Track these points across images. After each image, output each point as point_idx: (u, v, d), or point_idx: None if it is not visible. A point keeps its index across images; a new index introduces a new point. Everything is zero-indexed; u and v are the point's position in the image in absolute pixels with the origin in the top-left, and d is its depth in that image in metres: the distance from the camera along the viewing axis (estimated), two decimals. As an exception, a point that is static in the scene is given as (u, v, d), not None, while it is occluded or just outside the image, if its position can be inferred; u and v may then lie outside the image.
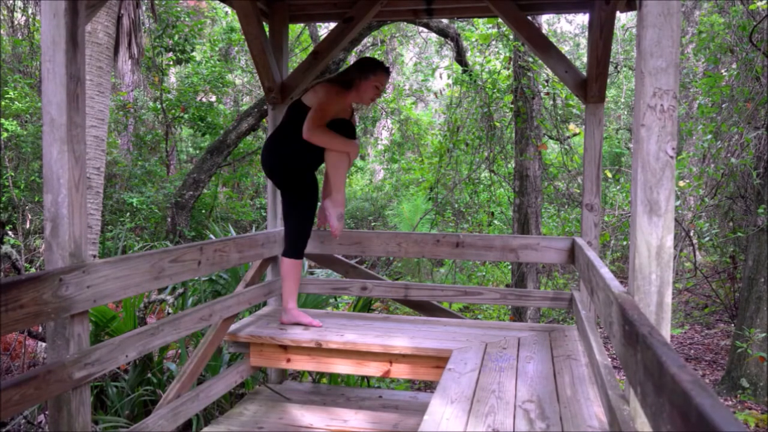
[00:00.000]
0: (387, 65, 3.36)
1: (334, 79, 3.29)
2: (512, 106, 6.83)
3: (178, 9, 9.58)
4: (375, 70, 3.25)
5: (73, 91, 1.99)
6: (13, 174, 7.81)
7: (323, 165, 3.34)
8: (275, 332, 3.24)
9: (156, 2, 8.59)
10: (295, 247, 3.34)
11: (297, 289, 3.42)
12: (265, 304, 3.81)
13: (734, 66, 6.96)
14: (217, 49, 11.95)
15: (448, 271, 8.59)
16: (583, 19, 16.37)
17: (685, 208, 7.89)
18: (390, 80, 15.13)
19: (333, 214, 3.31)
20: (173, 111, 10.04)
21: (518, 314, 6.19)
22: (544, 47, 3.48)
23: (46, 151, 2.00)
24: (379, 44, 12.27)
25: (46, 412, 3.22)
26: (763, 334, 4.84)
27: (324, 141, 3.17)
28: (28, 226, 7.66)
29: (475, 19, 7.79)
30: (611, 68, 7.73)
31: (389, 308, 7.23)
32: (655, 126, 1.55)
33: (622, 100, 13.17)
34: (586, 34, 3.52)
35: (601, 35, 3.27)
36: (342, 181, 3.33)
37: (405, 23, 11.08)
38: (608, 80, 3.78)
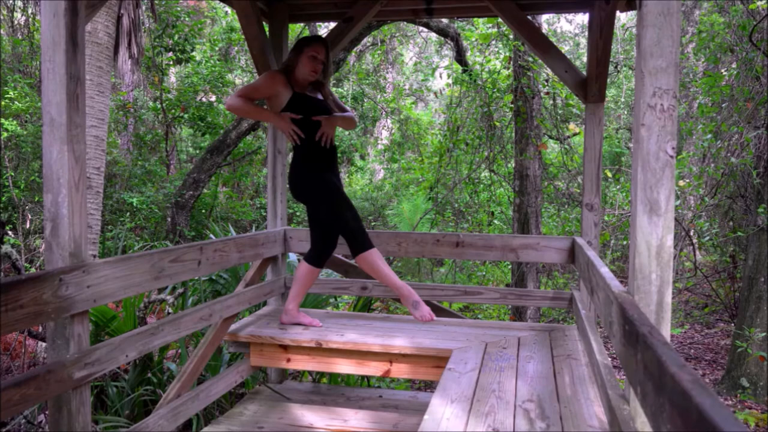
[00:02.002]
0: (319, 34, 3.31)
1: (279, 68, 3.35)
2: (512, 105, 6.83)
3: (178, 9, 9.57)
4: (308, 43, 3.22)
5: (73, 91, 1.99)
6: (13, 174, 7.81)
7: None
8: (275, 332, 3.24)
9: (156, 2, 8.58)
10: (316, 253, 3.33)
11: (303, 294, 3.41)
12: (265, 304, 3.81)
13: (734, 65, 6.96)
14: (217, 48, 11.95)
15: (448, 270, 8.59)
16: (583, 19, 16.36)
17: (685, 207, 7.90)
18: (390, 80, 15.21)
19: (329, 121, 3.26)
20: (173, 111, 10.03)
21: (518, 314, 6.19)
22: (544, 47, 3.48)
23: (46, 151, 2.00)
24: (379, 44, 12.28)
25: (46, 412, 3.22)
26: (763, 334, 4.84)
27: (237, 108, 3.18)
28: (28, 226, 7.66)
29: (475, 19, 7.78)
30: (611, 68, 7.73)
31: (389, 308, 7.23)
32: (655, 126, 1.55)
33: (622, 99, 13.16)
34: (586, 34, 3.52)
35: (601, 35, 3.28)
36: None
37: (405, 23, 11.08)
38: (608, 80, 3.78)
